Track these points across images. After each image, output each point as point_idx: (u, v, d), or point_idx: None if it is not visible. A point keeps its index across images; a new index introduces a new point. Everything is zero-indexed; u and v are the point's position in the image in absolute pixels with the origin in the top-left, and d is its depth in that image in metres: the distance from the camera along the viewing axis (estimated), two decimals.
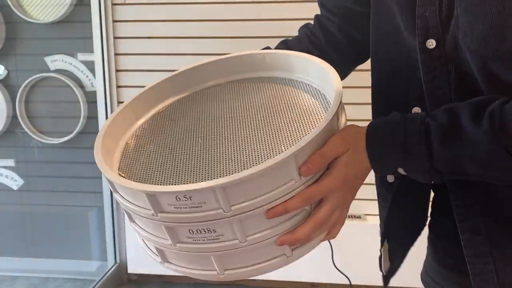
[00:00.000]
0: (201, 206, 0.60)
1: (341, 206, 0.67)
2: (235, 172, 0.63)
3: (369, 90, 0.83)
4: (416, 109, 0.73)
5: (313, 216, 0.65)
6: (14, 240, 2.57)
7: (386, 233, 0.84)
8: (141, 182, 0.67)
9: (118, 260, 2.47)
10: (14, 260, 2.57)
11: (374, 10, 0.79)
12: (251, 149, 0.67)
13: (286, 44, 0.91)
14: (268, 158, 0.64)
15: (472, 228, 0.70)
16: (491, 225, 0.69)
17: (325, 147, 0.64)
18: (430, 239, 0.84)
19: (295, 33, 0.95)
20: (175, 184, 0.65)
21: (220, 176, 0.63)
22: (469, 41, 0.64)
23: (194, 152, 0.70)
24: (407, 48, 0.72)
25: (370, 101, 0.84)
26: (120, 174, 0.69)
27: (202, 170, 0.66)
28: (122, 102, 2.36)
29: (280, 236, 0.64)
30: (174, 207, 0.61)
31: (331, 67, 0.73)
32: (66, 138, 2.40)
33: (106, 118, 2.34)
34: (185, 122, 0.78)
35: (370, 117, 0.83)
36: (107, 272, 2.42)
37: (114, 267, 2.45)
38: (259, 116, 0.74)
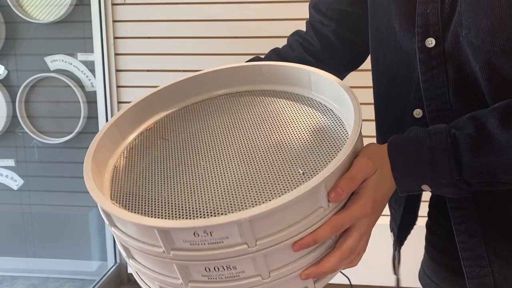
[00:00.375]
0: (222, 242, 0.52)
1: (367, 232, 0.62)
2: (256, 200, 0.56)
3: (370, 90, 0.82)
4: (418, 111, 0.72)
5: (341, 245, 0.60)
6: (14, 240, 2.57)
7: (400, 238, 0.83)
8: (140, 214, 0.59)
9: (118, 260, 2.47)
10: (14, 260, 2.57)
11: (371, 12, 0.78)
12: (265, 172, 0.60)
13: (277, 53, 0.89)
14: (287, 183, 0.58)
15: (468, 230, 0.70)
16: (487, 227, 0.69)
17: (353, 169, 0.59)
18: (428, 238, 0.84)
19: None
20: (185, 218, 0.56)
21: (239, 205, 0.56)
22: (473, 36, 0.63)
23: (198, 177, 0.62)
24: (403, 49, 0.72)
25: (370, 101, 0.83)
26: (113, 203, 0.61)
27: (215, 200, 0.58)
28: (122, 102, 2.38)
29: (305, 269, 0.58)
30: (191, 244, 0.53)
31: (337, 78, 0.69)
32: (66, 138, 2.40)
33: (106, 118, 2.34)
34: (180, 140, 0.71)
35: (372, 117, 0.83)
36: (107, 272, 2.42)
37: (114, 267, 2.45)
38: (262, 133, 0.68)
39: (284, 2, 2.16)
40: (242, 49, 2.20)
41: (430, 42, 0.68)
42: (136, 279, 0.64)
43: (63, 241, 2.53)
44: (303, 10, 2.11)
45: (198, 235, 0.52)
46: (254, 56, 0.89)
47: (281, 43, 0.92)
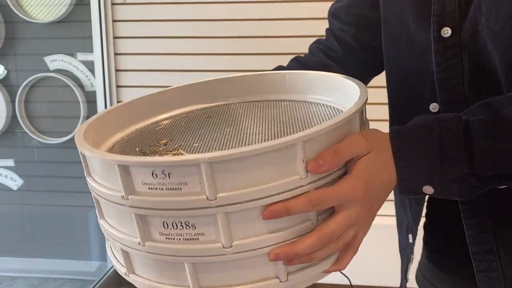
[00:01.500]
0: (180, 189, 0.49)
1: (358, 224, 0.55)
2: None
3: (384, 90, 0.81)
4: (434, 105, 0.70)
5: (321, 227, 0.52)
6: (13, 240, 2.57)
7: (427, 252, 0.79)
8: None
9: None
10: (14, 260, 2.57)
11: (383, 8, 0.77)
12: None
13: (299, 61, 0.88)
14: None
15: (478, 225, 0.68)
16: (497, 222, 0.68)
17: (341, 142, 0.54)
18: (425, 240, 0.83)
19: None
20: None
21: None
22: (494, 22, 0.60)
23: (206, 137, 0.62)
24: (417, 42, 0.70)
25: (383, 101, 0.82)
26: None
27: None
28: (121, 102, 2.37)
29: (275, 247, 0.51)
30: (149, 188, 0.50)
31: (353, 78, 0.68)
32: (66, 138, 2.40)
33: None
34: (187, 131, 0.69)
35: (386, 117, 0.82)
36: (107, 272, 2.42)
37: (113, 268, 2.44)
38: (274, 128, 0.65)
39: (284, 2, 2.15)
40: (242, 49, 2.19)
41: (446, 31, 0.66)
42: (108, 251, 0.63)
43: (62, 241, 2.52)
44: (303, 10, 2.11)
45: (157, 176, 0.49)
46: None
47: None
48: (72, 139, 2.39)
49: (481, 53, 0.64)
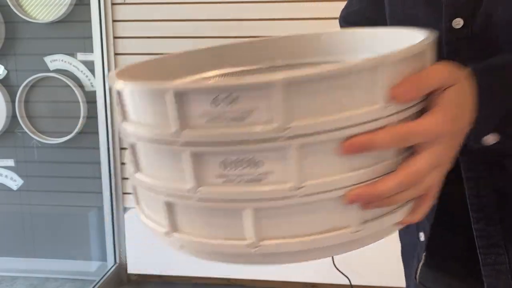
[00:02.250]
0: (244, 118, 0.41)
1: (441, 166, 0.48)
2: None
3: None
4: None
5: (404, 166, 0.45)
6: (13, 240, 2.57)
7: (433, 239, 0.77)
8: None
9: (118, 260, 2.47)
10: (14, 260, 2.57)
11: (389, 4, 0.77)
12: None
13: None
14: None
15: (486, 218, 0.68)
16: (505, 215, 0.67)
17: (424, 70, 0.46)
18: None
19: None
20: None
21: None
22: (509, 13, 0.60)
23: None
24: None
25: None
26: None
27: None
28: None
29: (354, 188, 0.44)
30: (208, 120, 0.42)
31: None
32: (65, 138, 2.40)
33: (106, 118, 2.34)
34: None
35: None
36: (107, 272, 2.42)
37: (114, 267, 2.45)
38: None
39: (284, 2, 2.16)
40: None
41: (458, 22, 0.64)
42: (140, 217, 0.54)
43: (62, 241, 2.53)
44: (303, 10, 2.11)
45: (218, 104, 0.41)
46: None
47: None
48: (72, 139, 2.40)
49: (492, 44, 0.64)
